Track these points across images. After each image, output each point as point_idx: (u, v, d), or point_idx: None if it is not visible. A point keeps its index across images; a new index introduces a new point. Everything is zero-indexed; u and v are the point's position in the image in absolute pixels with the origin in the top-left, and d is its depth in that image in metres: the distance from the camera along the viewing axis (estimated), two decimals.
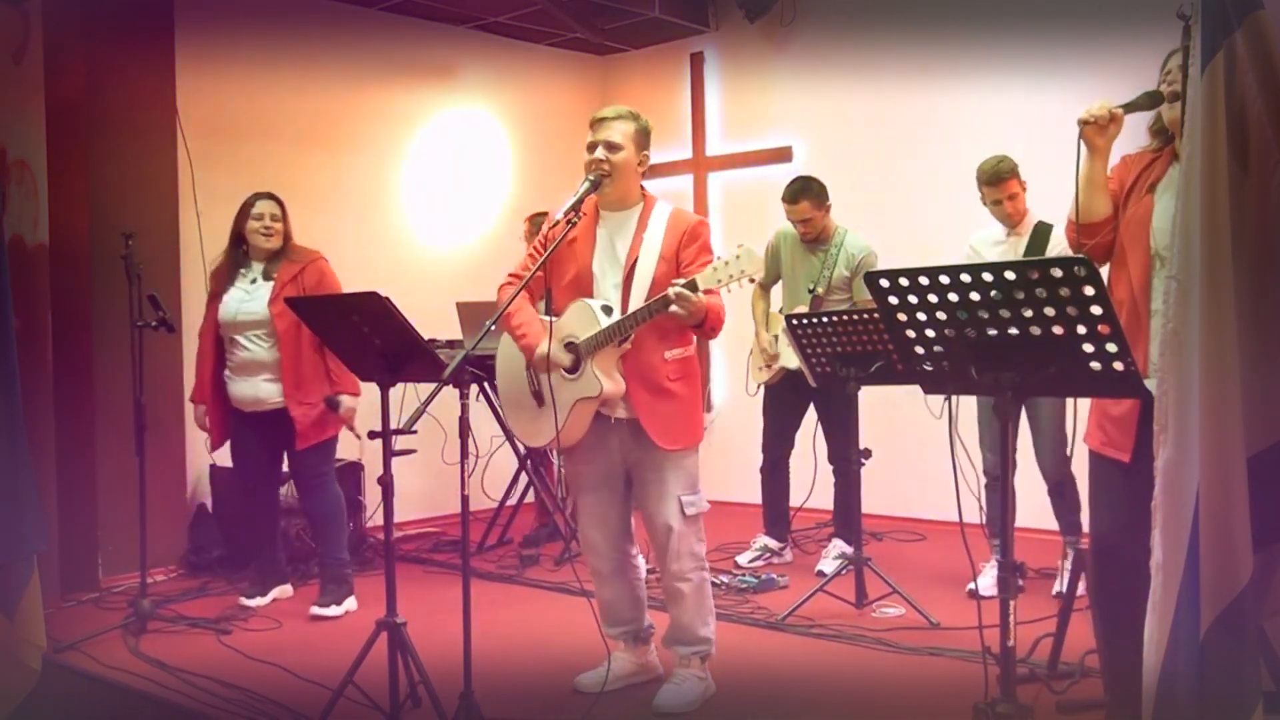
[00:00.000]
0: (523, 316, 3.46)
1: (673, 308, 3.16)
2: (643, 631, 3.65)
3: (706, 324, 3.26)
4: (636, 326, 3.28)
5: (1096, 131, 2.61)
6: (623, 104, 3.59)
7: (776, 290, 5.36)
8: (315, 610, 4.48)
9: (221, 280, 4.65)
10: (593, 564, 3.61)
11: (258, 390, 4.54)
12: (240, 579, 4.96)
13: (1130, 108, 2.66)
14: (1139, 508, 2.58)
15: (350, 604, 4.57)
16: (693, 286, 3.14)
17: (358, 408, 4.52)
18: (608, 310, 3.34)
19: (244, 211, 4.61)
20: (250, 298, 4.55)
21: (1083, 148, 2.64)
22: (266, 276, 4.59)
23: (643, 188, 3.51)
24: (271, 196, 4.64)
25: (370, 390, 4.48)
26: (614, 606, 3.62)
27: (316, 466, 4.61)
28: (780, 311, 5.13)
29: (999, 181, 4.47)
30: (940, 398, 2.54)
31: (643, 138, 3.44)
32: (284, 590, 4.81)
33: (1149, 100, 2.69)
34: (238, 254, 4.65)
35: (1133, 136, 2.75)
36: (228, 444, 4.72)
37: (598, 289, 3.41)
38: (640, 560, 3.65)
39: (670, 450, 3.38)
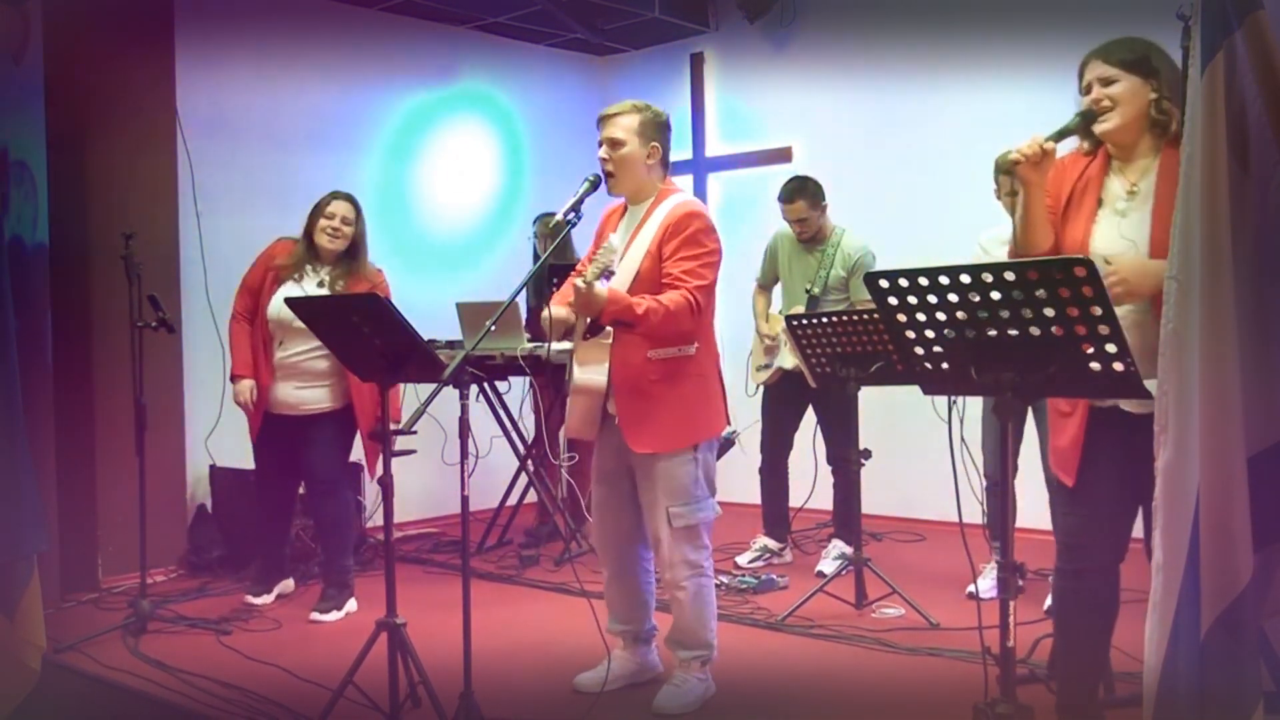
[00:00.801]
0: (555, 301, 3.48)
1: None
2: (644, 633, 3.64)
3: (604, 319, 3.20)
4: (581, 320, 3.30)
5: (1030, 168, 2.52)
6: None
7: (777, 292, 5.36)
8: (315, 616, 4.47)
9: (284, 268, 4.47)
10: (601, 557, 3.63)
11: (299, 396, 4.48)
12: (242, 578, 4.96)
13: (1061, 135, 2.56)
14: (1090, 517, 2.68)
15: (350, 605, 4.57)
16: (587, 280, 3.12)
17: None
18: None
19: (317, 209, 4.49)
20: None
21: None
22: (333, 287, 4.45)
23: (667, 179, 3.50)
24: (348, 198, 4.51)
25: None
26: (617, 603, 3.62)
27: (335, 473, 4.58)
28: (780, 312, 5.12)
29: None
30: (945, 401, 2.53)
31: (649, 129, 3.40)
32: (286, 585, 4.81)
33: (1081, 121, 2.60)
34: (309, 251, 4.50)
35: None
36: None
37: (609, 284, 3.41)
38: (649, 564, 3.63)
39: (643, 454, 3.34)
